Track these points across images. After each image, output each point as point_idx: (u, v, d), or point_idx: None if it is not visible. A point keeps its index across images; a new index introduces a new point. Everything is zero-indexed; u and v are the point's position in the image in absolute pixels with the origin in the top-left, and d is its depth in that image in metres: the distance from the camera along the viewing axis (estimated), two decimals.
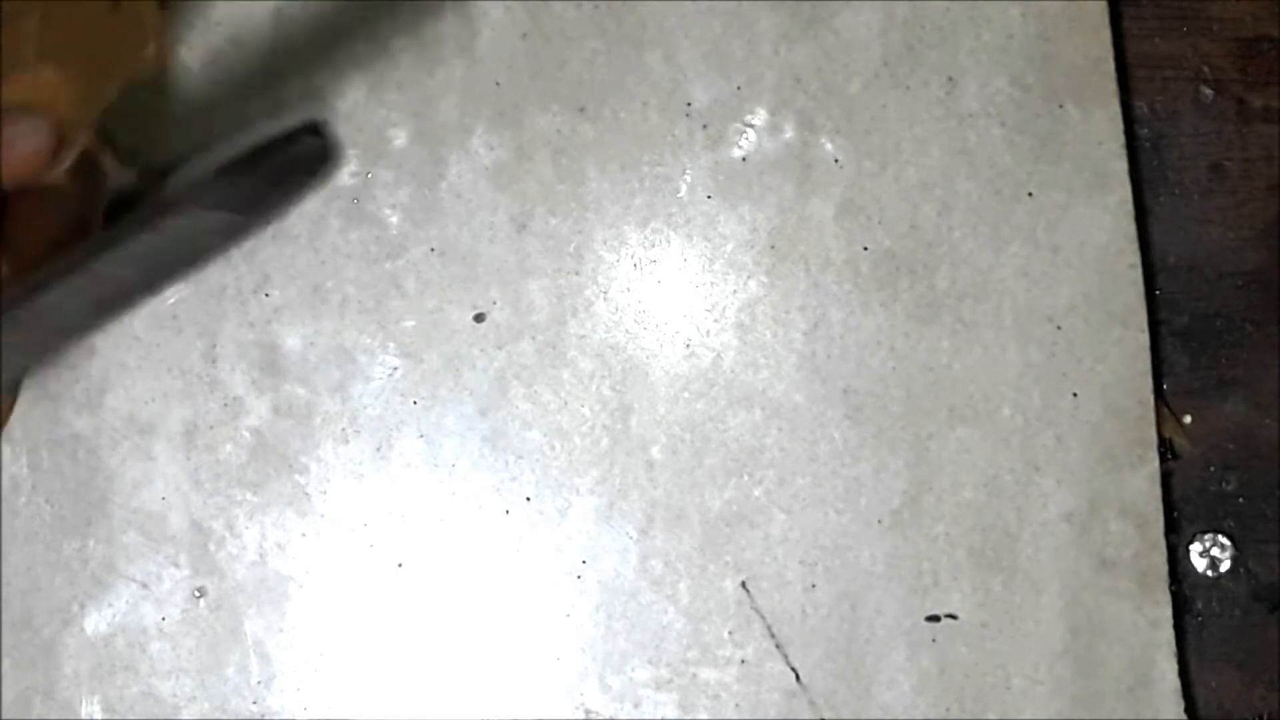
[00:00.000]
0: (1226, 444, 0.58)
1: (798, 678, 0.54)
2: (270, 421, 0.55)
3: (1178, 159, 0.59)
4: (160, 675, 0.54)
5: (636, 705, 0.54)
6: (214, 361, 0.55)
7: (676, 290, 0.56)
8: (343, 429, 0.55)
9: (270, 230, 0.55)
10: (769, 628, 0.54)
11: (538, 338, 0.55)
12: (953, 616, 0.54)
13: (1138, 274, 0.55)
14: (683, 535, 0.55)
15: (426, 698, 0.54)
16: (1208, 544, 0.57)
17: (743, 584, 0.54)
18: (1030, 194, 0.56)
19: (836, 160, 0.56)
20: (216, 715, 0.54)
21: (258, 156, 0.38)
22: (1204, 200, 0.59)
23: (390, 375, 0.55)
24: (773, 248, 0.56)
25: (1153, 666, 0.54)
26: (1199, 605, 0.57)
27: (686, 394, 0.55)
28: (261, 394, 0.55)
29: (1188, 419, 0.58)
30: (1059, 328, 0.55)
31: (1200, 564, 0.57)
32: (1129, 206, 0.56)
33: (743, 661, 0.54)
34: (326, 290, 0.55)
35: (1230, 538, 0.57)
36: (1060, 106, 0.56)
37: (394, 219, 0.56)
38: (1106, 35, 0.56)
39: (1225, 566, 0.57)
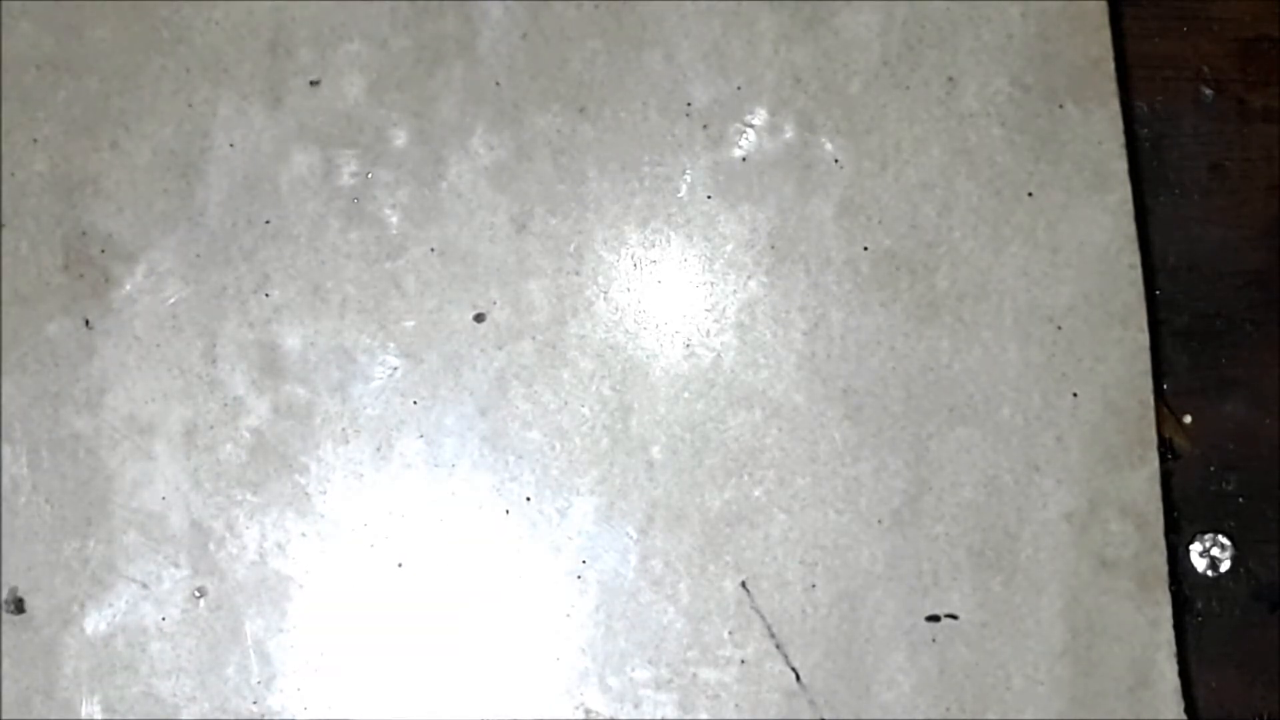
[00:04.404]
0: (1226, 444, 0.58)
1: (798, 678, 0.54)
2: (270, 421, 0.55)
3: (1178, 159, 0.59)
4: (160, 675, 0.54)
5: (636, 705, 0.54)
6: (214, 361, 0.55)
7: (676, 290, 0.56)
8: (343, 429, 0.55)
9: (270, 230, 0.55)
10: (769, 628, 0.54)
11: (538, 338, 0.55)
12: (953, 616, 0.54)
13: (1138, 274, 0.55)
14: (683, 535, 0.55)
15: (426, 698, 0.54)
16: (1208, 544, 0.57)
17: (743, 584, 0.54)
18: (1030, 194, 0.56)
19: (836, 160, 0.56)
20: (216, 715, 0.54)
21: None
22: (1204, 200, 0.59)
23: (390, 375, 0.55)
24: (773, 248, 0.56)
25: (1153, 666, 0.54)
26: (1199, 605, 0.57)
27: (686, 394, 0.55)
28: (261, 394, 0.55)
29: (1188, 419, 0.58)
30: (1059, 328, 0.55)
31: (1200, 564, 0.57)
32: (1129, 206, 0.56)
33: (743, 661, 0.54)
34: (326, 290, 0.55)
35: (1230, 538, 0.57)
36: (1060, 106, 0.56)
37: (394, 219, 0.56)
38: (1106, 35, 0.56)
39: (1225, 566, 0.57)
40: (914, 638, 0.54)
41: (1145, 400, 0.55)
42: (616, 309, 0.55)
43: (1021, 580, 0.54)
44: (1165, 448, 0.57)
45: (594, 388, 0.55)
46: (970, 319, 0.55)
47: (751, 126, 0.56)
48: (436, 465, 0.55)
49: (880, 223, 0.56)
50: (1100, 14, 0.57)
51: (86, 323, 0.55)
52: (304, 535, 0.54)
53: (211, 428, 0.55)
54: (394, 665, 0.54)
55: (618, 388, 0.55)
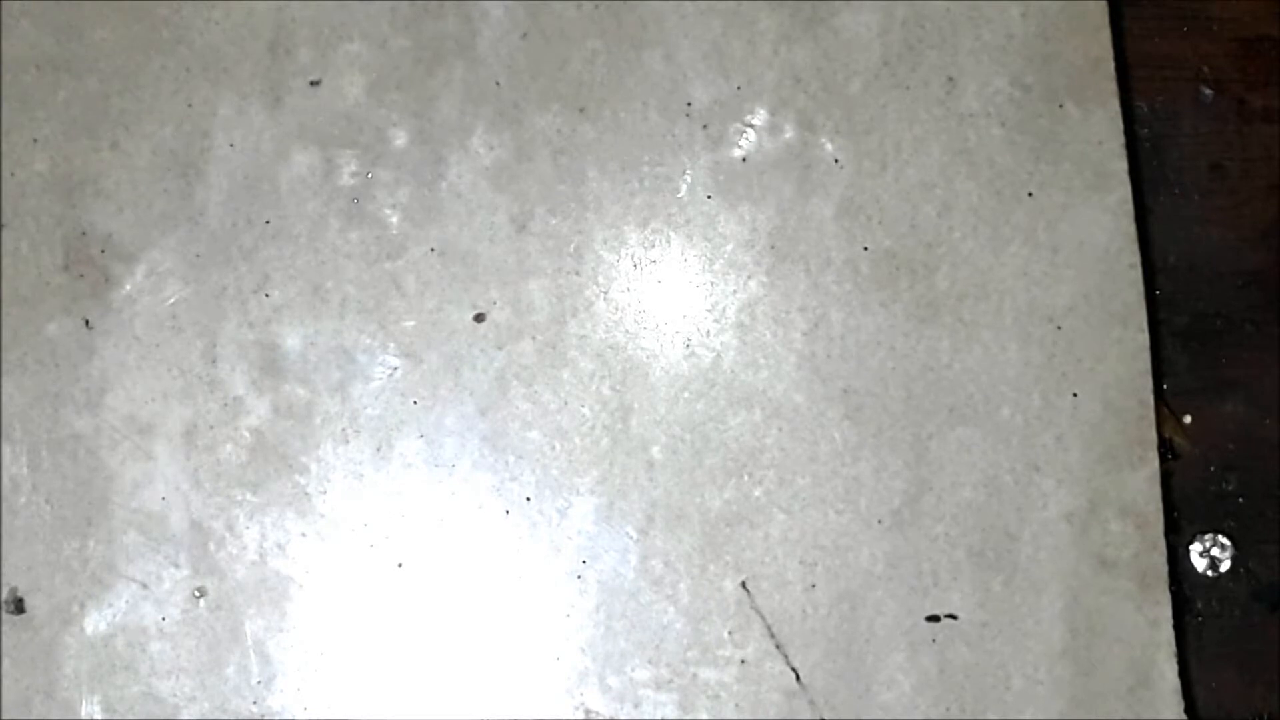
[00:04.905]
0: (1226, 444, 0.58)
1: (798, 678, 0.54)
2: (270, 421, 0.55)
3: (1178, 159, 0.59)
4: (160, 675, 0.54)
5: (636, 705, 0.54)
6: (214, 361, 0.55)
7: (676, 290, 0.56)
8: (343, 429, 0.55)
9: (270, 230, 0.55)
10: (769, 628, 0.54)
11: (538, 338, 0.55)
12: (953, 616, 0.54)
13: (1138, 274, 0.55)
14: (683, 535, 0.55)
15: (426, 698, 0.54)
16: (1208, 544, 0.57)
17: (743, 584, 0.54)
18: (1030, 194, 0.56)
19: (836, 160, 0.56)
20: (216, 715, 0.54)
21: None
22: (1204, 200, 0.59)
23: (390, 375, 0.55)
24: (773, 248, 0.56)
25: (1153, 666, 0.54)
26: (1199, 605, 0.57)
27: (686, 394, 0.55)
28: (261, 394, 0.55)
29: (1188, 419, 0.58)
30: (1059, 328, 0.55)
31: (1200, 564, 0.57)
32: (1129, 206, 0.56)
33: (743, 661, 0.54)
34: (326, 290, 0.55)
35: (1230, 538, 0.57)
36: (1060, 106, 0.56)
37: (394, 219, 0.56)
38: (1106, 35, 0.56)
39: (1225, 566, 0.57)
40: (914, 638, 0.54)
41: (1145, 400, 0.55)
42: (616, 309, 0.55)
43: (1021, 580, 0.54)
44: (1165, 448, 0.56)
45: (594, 388, 0.55)
46: (970, 319, 0.55)
47: (751, 126, 0.56)
48: (436, 465, 0.55)
49: (880, 223, 0.56)
50: (1100, 14, 0.57)
51: (86, 323, 0.55)
52: (304, 535, 0.54)
53: (211, 428, 0.55)
54: (394, 665, 0.54)
55: (618, 388, 0.55)
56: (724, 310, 0.56)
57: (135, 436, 0.54)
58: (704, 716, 0.54)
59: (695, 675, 0.54)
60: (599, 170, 0.56)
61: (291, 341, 0.55)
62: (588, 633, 0.54)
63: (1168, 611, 0.54)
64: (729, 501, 0.55)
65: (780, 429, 0.55)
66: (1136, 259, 0.56)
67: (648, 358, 0.55)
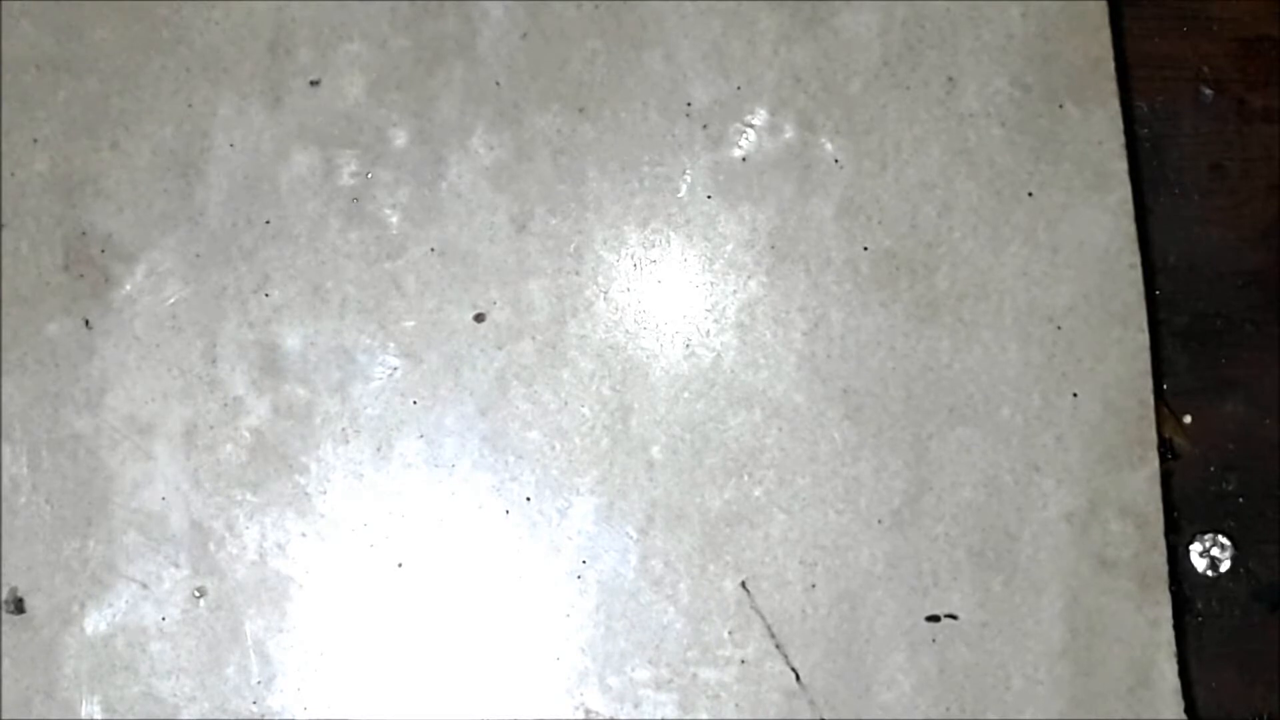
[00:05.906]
0: (1226, 444, 0.58)
1: (798, 678, 0.54)
2: (270, 421, 0.55)
3: (1178, 159, 0.59)
4: (160, 675, 0.54)
5: (636, 705, 0.54)
6: (214, 361, 0.55)
7: (676, 290, 0.56)
8: (343, 429, 0.55)
9: (270, 230, 0.55)
10: (769, 628, 0.54)
11: (538, 338, 0.55)
12: (953, 616, 0.54)
13: (1138, 274, 0.55)
14: (683, 535, 0.55)
15: (426, 698, 0.54)
16: (1208, 544, 0.57)
17: (743, 584, 0.54)
18: (1030, 194, 0.56)
19: (836, 160, 0.56)
20: (216, 715, 0.54)
21: None
22: (1204, 200, 0.59)
23: (390, 375, 0.55)
24: (773, 248, 0.56)
25: (1153, 666, 0.54)
26: (1199, 605, 0.57)
27: (686, 394, 0.55)
28: (261, 394, 0.55)
29: (1188, 419, 0.58)
30: (1059, 328, 0.55)
31: (1200, 564, 0.57)
32: (1129, 206, 0.56)
33: (743, 661, 0.54)
34: (326, 290, 0.55)
35: (1230, 538, 0.57)
36: (1060, 106, 0.56)
37: (394, 219, 0.56)
38: (1106, 35, 0.56)
39: (1225, 566, 0.57)
40: (914, 638, 0.54)
41: (1145, 400, 0.55)
42: (616, 309, 0.55)
43: (1021, 580, 0.54)
44: (1165, 448, 0.56)
45: (594, 388, 0.55)
46: (970, 319, 0.55)
47: (751, 126, 0.56)
48: (436, 465, 0.55)
49: (880, 223, 0.56)
50: (1100, 14, 0.57)
51: (86, 323, 0.55)
52: (304, 535, 0.54)
53: (211, 428, 0.55)
54: (394, 665, 0.54)
55: (618, 388, 0.55)
56: (724, 310, 0.56)
57: (135, 436, 0.54)
58: (704, 716, 0.54)
59: (695, 675, 0.54)
60: (599, 170, 0.56)
61: (291, 341, 0.55)
62: (588, 633, 0.54)
63: (1168, 611, 0.54)
64: (729, 501, 0.55)
65: (780, 429, 0.55)
66: (1136, 259, 0.56)
67: (648, 358, 0.55)
